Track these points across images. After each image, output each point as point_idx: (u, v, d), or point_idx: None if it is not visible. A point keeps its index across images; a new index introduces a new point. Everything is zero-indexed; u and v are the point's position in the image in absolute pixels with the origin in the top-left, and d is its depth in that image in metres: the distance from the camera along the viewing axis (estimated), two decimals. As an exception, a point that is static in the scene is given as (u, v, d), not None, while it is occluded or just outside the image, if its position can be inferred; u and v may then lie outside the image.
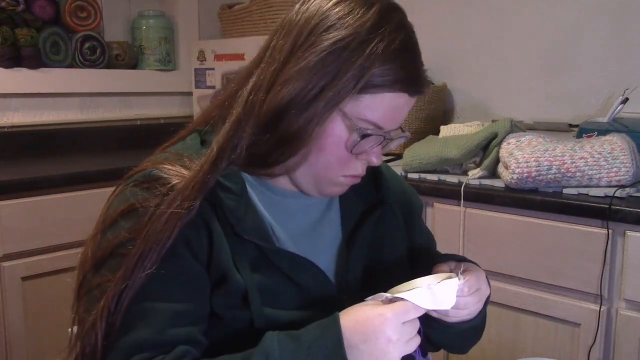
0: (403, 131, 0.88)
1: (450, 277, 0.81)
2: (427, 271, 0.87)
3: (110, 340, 0.76)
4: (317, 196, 0.89)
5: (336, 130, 0.80)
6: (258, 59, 0.85)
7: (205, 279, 0.81)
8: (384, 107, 0.80)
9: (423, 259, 1.02)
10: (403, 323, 0.74)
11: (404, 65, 0.79)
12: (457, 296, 0.80)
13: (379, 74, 0.77)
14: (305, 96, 0.78)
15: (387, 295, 0.78)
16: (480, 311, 0.88)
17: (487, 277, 0.90)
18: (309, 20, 0.80)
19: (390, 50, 0.78)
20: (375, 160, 0.85)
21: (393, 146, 0.89)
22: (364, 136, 0.80)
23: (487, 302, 0.91)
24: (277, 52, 0.81)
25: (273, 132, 0.80)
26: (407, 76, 0.80)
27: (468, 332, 0.91)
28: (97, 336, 0.75)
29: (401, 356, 0.74)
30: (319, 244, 0.91)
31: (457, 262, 0.89)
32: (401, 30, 0.80)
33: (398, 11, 0.83)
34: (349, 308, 0.77)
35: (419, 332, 0.86)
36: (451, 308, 0.79)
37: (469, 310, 0.84)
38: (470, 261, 0.95)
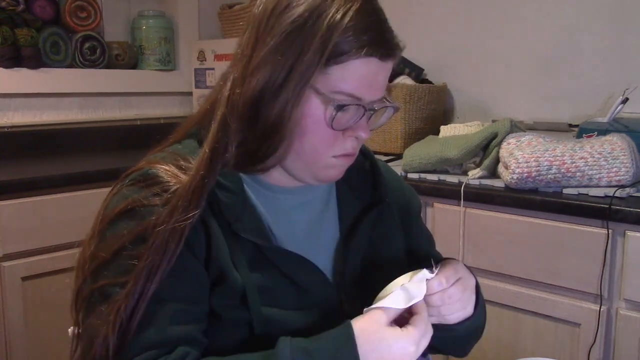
0: (389, 102, 0.86)
1: (418, 272, 0.81)
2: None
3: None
4: (314, 183, 0.88)
5: (312, 108, 0.79)
6: (233, 59, 0.85)
7: (205, 278, 0.81)
8: (355, 75, 0.78)
9: (422, 261, 1.02)
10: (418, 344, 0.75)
11: (365, 29, 0.78)
12: (437, 290, 0.80)
13: (341, 41, 0.77)
14: (275, 81, 0.78)
15: (382, 305, 0.78)
16: (477, 303, 0.87)
17: (468, 268, 0.89)
18: (266, 6, 0.81)
19: (348, 18, 0.77)
20: (363, 135, 0.83)
21: (382, 120, 0.87)
22: (340, 107, 0.79)
23: (480, 292, 0.91)
24: (244, 47, 0.82)
25: (255, 126, 0.80)
26: (371, 39, 0.78)
27: (468, 334, 0.90)
28: (109, 351, 0.74)
29: None
30: (317, 243, 0.91)
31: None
32: None
33: None
34: (362, 323, 0.76)
35: None
36: (441, 305, 0.80)
37: (461, 303, 0.83)
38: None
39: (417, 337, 0.75)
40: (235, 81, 0.81)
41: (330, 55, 0.77)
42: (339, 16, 0.77)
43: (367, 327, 0.75)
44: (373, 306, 0.78)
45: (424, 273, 0.80)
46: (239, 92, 0.80)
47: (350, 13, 0.77)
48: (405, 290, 0.78)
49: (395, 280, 0.81)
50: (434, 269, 0.82)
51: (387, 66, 0.82)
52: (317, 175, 0.86)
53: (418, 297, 0.78)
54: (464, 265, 0.88)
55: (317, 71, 0.77)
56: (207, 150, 0.81)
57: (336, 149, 0.83)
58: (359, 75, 0.79)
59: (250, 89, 0.79)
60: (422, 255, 1.03)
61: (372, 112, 0.83)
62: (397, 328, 0.75)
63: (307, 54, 0.76)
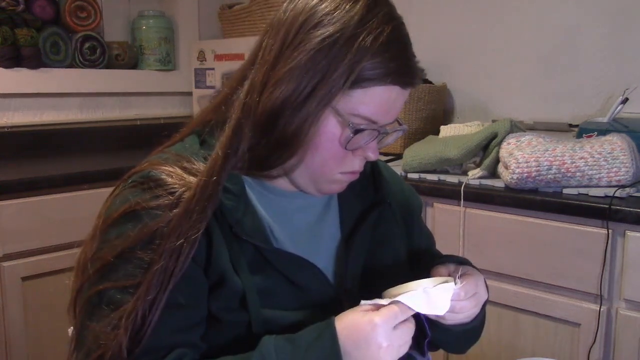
0: (400, 124, 0.87)
1: (447, 282, 0.81)
2: (426, 273, 0.87)
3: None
4: (316, 195, 0.89)
5: (329, 127, 0.80)
6: (250, 60, 0.85)
7: (203, 282, 0.80)
8: (376, 100, 0.79)
9: (423, 260, 1.02)
10: (394, 328, 0.75)
11: (393, 57, 0.78)
12: (452, 300, 0.80)
13: (369, 67, 0.77)
14: (298, 96, 0.78)
15: (382, 301, 0.78)
16: (477, 315, 0.88)
17: (485, 282, 0.90)
18: (296, 18, 0.80)
19: (378, 43, 0.77)
20: (372, 156, 0.85)
21: (390, 140, 0.88)
22: (357, 131, 0.80)
23: (485, 306, 0.91)
24: (267, 53, 0.81)
25: (271, 135, 0.80)
26: (398, 68, 0.79)
27: (465, 334, 0.91)
28: (123, 356, 0.74)
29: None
30: (318, 244, 0.91)
31: (456, 265, 0.89)
32: (389, 23, 0.79)
33: (385, 4, 0.82)
34: (344, 313, 0.78)
35: (423, 331, 0.86)
36: (446, 312, 0.79)
37: (466, 314, 0.84)
38: (470, 263, 0.95)
39: (389, 322, 0.75)
40: (253, 86, 0.81)
41: (355, 78, 0.77)
42: (369, 41, 0.77)
43: (347, 314, 0.77)
44: (390, 299, 0.77)
45: (452, 287, 0.80)
46: (257, 99, 0.80)
47: (381, 39, 0.78)
48: (427, 294, 0.77)
49: (418, 281, 0.80)
50: (456, 280, 0.81)
51: (406, 93, 0.83)
52: (320, 189, 0.87)
53: (439, 311, 0.78)
54: (484, 279, 0.89)
55: (340, 93, 0.78)
56: (220, 154, 0.80)
57: (345, 166, 0.84)
58: (379, 100, 0.80)
59: (270, 100, 0.79)
60: (423, 256, 1.03)
61: (384, 135, 0.84)
62: (373, 316, 0.75)
63: (333, 75, 0.77)
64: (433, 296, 0.78)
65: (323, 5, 0.79)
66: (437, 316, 0.82)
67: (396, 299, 0.77)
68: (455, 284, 0.81)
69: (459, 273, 0.84)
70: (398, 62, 0.79)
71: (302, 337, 0.75)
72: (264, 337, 0.76)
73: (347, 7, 0.78)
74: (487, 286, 0.91)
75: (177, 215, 0.77)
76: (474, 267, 0.93)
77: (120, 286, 0.76)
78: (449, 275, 0.85)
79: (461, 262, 0.94)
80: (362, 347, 0.73)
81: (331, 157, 0.82)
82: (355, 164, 0.85)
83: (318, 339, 0.74)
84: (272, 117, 0.79)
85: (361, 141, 0.82)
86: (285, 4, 0.83)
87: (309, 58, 0.77)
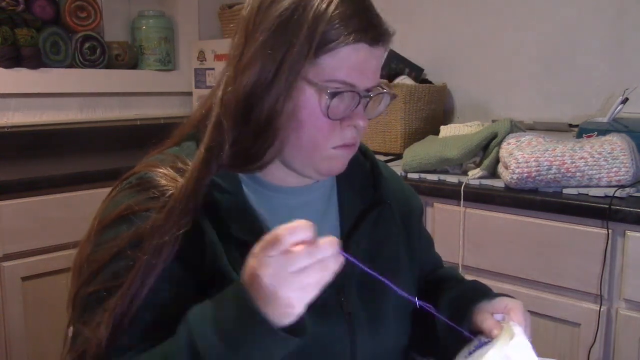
0: (383, 89, 0.86)
1: (511, 332, 0.79)
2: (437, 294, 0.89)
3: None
4: (317, 177, 0.88)
5: (306, 99, 0.79)
6: (227, 61, 0.86)
7: (189, 282, 0.79)
8: (346, 62, 0.78)
9: (423, 268, 1.02)
10: (273, 257, 0.64)
11: (351, 16, 0.78)
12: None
13: (328, 30, 0.77)
14: (266, 76, 0.78)
15: None
16: None
17: (522, 304, 0.90)
18: (253, 5, 0.82)
19: (334, 6, 0.78)
20: (361, 123, 0.83)
21: (381, 107, 0.87)
22: (334, 95, 0.79)
23: None
24: (235, 48, 0.83)
25: (248, 123, 0.80)
26: (358, 25, 0.78)
27: None
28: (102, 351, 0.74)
29: (300, 293, 0.65)
30: None
31: (490, 301, 0.89)
32: None
33: None
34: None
35: (433, 333, 0.86)
36: None
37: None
38: (484, 288, 0.95)
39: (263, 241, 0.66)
40: (227, 81, 0.82)
41: (318, 45, 0.77)
42: (324, 6, 0.77)
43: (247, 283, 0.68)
44: None
45: (526, 341, 0.78)
46: (230, 90, 0.81)
47: (335, 2, 0.78)
48: (508, 357, 0.77)
49: (489, 352, 0.78)
50: (514, 325, 0.81)
51: (378, 52, 0.82)
52: (318, 168, 0.85)
53: None
54: (520, 303, 0.89)
55: (307, 62, 0.77)
56: (202, 151, 0.81)
57: (335, 139, 0.83)
58: (349, 62, 0.79)
59: (241, 86, 0.79)
60: (422, 257, 1.03)
61: (367, 99, 0.83)
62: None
63: (296, 47, 0.77)
64: (514, 357, 0.77)
65: None
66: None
67: None
68: (523, 335, 0.79)
69: (505, 308, 0.84)
70: (357, 21, 0.78)
71: (217, 299, 0.70)
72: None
73: None
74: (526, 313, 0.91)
75: (160, 214, 0.77)
76: (489, 289, 0.94)
77: (108, 287, 0.76)
78: (493, 313, 0.86)
79: (474, 287, 0.95)
80: (254, 287, 0.65)
81: (318, 130, 0.81)
82: (347, 135, 0.83)
83: (227, 292, 0.69)
84: (246, 103, 0.79)
85: (345, 108, 0.81)
86: (246, 1, 0.84)
87: (270, 35, 0.78)
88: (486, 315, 0.87)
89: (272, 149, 0.82)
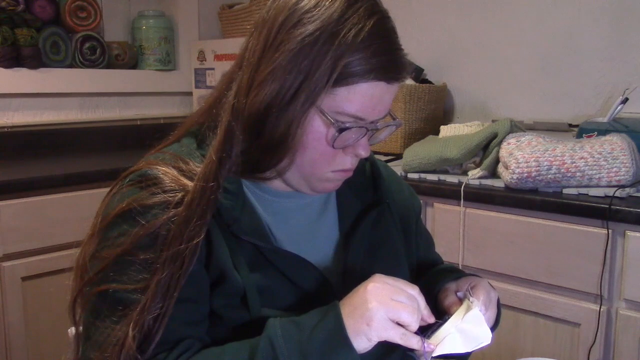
0: (393, 118, 0.86)
1: (468, 308, 0.80)
2: (426, 286, 0.88)
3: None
4: (310, 194, 0.89)
5: (315, 127, 0.79)
6: (238, 62, 0.84)
7: (205, 279, 0.81)
8: (361, 97, 0.78)
9: (422, 266, 1.03)
10: (385, 282, 0.76)
11: (376, 52, 0.77)
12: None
13: (351, 64, 0.75)
14: (282, 98, 0.77)
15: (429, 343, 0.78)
16: (498, 315, 0.90)
17: (489, 282, 0.91)
18: (277, 17, 0.79)
19: (360, 39, 0.76)
20: (363, 153, 0.83)
21: (383, 136, 0.87)
22: (342, 130, 0.79)
23: (499, 303, 0.92)
24: (251, 55, 0.81)
25: (261, 138, 0.80)
26: (381, 63, 0.77)
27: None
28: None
29: (388, 315, 0.74)
30: (317, 244, 0.91)
31: (455, 281, 0.89)
32: (371, 17, 0.77)
33: None
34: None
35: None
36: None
37: (491, 322, 0.86)
38: (463, 272, 0.95)
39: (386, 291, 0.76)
40: (240, 89, 0.81)
41: (338, 76, 0.76)
42: (350, 37, 0.75)
43: (351, 295, 0.78)
44: (432, 345, 0.78)
45: (479, 314, 0.80)
46: (244, 101, 0.80)
47: (363, 34, 0.76)
48: (463, 332, 0.78)
49: (445, 325, 0.79)
50: (472, 300, 0.82)
51: (394, 88, 0.81)
52: (314, 187, 0.86)
53: (484, 341, 0.78)
54: (488, 281, 0.90)
55: (323, 92, 0.77)
56: (214, 159, 0.80)
57: (335, 165, 0.83)
58: (363, 97, 0.78)
59: (256, 102, 0.78)
60: (421, 257, 1.03)
61: (374, 131, 0.83)
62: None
63: (316, 75, 0.76)
64: (469, 331, 0.78)
65: (303, 3, 0.78)
66: (484, 347, 0.81)
67: (436, 353, 0.77)
68: (475, 304, 0.80)
69: (467, 288, 0.84)
70: (381, 57, 0.77)
71: (307, 319, 0.76)
72: (269, 319, 0.76)
73: (327, 3, 0.77)
74: (492, 286, 0.91)
75: (177, 221, 0.77)
76: (471, 274, 0.93)
77: (125, 289, 0.76)
78: (457, 292, 0.87)
79: (451, 270, 0.95)
80: (359, 305, 0.75)
81: (320, 156, 0.81)
82: (347, 162, 0.84)
83: (323, 320, 0.75)
84: (259, 119, 0.79)
85: (349, 139, 0.81)
86: (269, 3, 0.82)
87: (291, 59, 0.76)
88: (449, 293, 0.88)
89: (277, 167, 0.82)
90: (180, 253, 0.75)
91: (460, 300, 0.86)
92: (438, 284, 0.94)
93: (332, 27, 0.76)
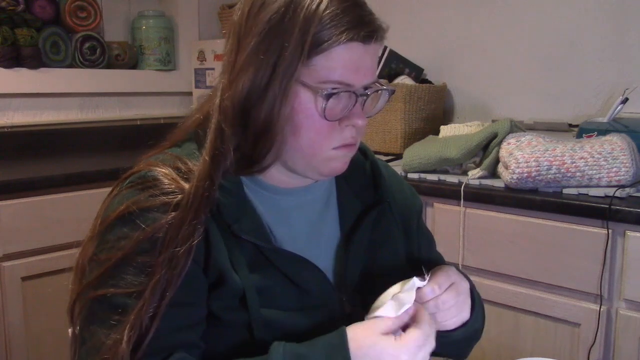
0: (381, 85, 0.85)
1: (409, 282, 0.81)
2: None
3: None
4: (319, 178, 0.88)
5: (302, 102, 0.79)
6: (222, 67, 0.85)
7: (203, 281, 0.80)
8: (339, 62, 0.77)
9: (420, 266, 1.02)
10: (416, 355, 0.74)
11: (342, 15, 0.77)
12: (432, 297, 0.80)
13: (320, 31, 0.76)
14: (260, 82, 0.78)
15: (381, 311, 0.78)
16: (474, 306, 0.88)
17: (461, 271, 0.89)
18: (243, 11, 0.81)
19: (324, 6, 0.77)
20: (360, 122, 0.82)
21: (379, 104, 0.86)
22: (329, 96, 0.78)
23: (476, 295, 0.91)
24: (229, 54, 0.82)
25: (247, 128, 0.80)
26: (350, 24, 0.77)
27: (468, 337, 0.90)
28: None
29: None
30: (317, 243, 0.91)
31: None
32: None
33: None
34: (356, 329, 0.76)
35: None
36: (436, 312, 0.80)
37: (455, 307, 0.83)
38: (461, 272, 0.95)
39: (411, 347, 0.74)
40: (224, 87, 0.82)
41: (311, 46, 0.76)
42: (313, 6, 0.77)
43: (361, 334, 0.75)
44: (367, 318, 0.79)
45: (414, 281, 0.80)
46: (227, 97, 0.80)
47: (325, 1, 0.77)
48: (397, 299, 0.78)
49: (387, 291, 0.81)
50: (425, 276, 0.81)
51: (372, 49, 0.81)
52: (320, 170, 0.85)
53: (408, 304, 0.78)
54: (457, 269, 0.88)
55: (300, 65, 0.77)
56: (207, 159, 0.80)
57: (334, 140, 0.82)
58: (343, 61, 0.78)
59: (237, 92, 0.79)
60: (422, 257, 1.03)
61: (364, 97, 0.82)
62: (392, 337, 0.75)
63: (288, 49, 0.76)
64: (402, 298, 0.78)
65: None
66: (435, 322, 0.81)
67: (371, 316, 0.78)
68: (420, 280, 0.80)
69: (423, 269, 0.83)
70: (349, 19, 0.77)
71: (312, 355, 0.74)
72: (273, 343, 0.75)
73: None
74: (466, 276, 0.90)
75: (173, 224, 0.77)
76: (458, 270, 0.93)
77: (122, 293, 0.76)
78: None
79: (428, 261, 0.94)
80: None
81: (316, 133, 0.81)
82: (346, 135, 0.83)
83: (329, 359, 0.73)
84: (242, 109, 0.79)
85: (342, 108, 0.80)
86: (236, 6, 0.84)
87: (261, 40, 0.77)
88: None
89: (271, 152, 0.82)
90: (175, 254, 0.75)
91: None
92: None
93: (295, 2, 0.77)
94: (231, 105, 0.80)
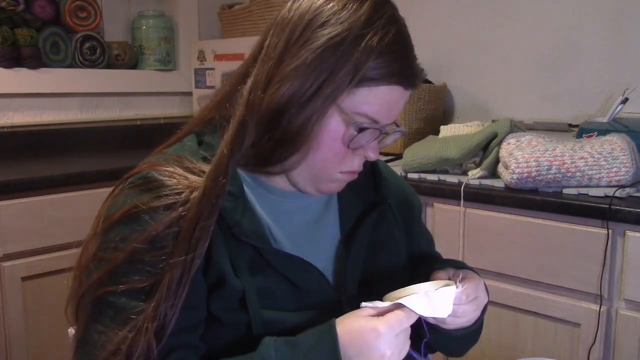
0: (398, 126, 0.88)
1: (448, 285, 0.81)
2: (425, 277, 0.87)
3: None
4: (314, 194, 0.89)
5: (333, 125, 0.81)
6: (253, 58, 0.85)
7: (202, 283, 0.80)
8: (380, 100, 0.80)
9: (424, 263, 1.02)
10: (396, 335, 0.75)
11: (397, 58, 0.80)
12: (454, 304, 0.80)
13: (374, 67, 0.78)
14: (303, 94, 0.78)
15: (384, 303, 0.78)
16: (478, 318, 0.88)
17: (485, 286, 0.90)
18: (302, 17, 0.81)
19: (384, 44, 0.79)
20: (372, 155, 0.85)
21: (389, 141, 0.89)
22: (361, 130, 0.81)
23: (485, 310, 0.92)
24: (271, 50, 0.82)
25: (275, 131, 0.80)
26: (401, 69, 0.80)
27: (464, 338, 0.91)
28: None
29: None
30: (317, 245, 0.91)
31: (455, 269, 0.89)
32: (394, 24, 0.81)
33: (390, 5, 0.84)
34: (345, 316, 0.78)
35: (420, 332, 0.86)
36: (448, 316, 0.80)
37: (467, 318, 0.85)
38: (469, 267, 0.95)
39: (391, 321, 0.76)
40: (257, 83, 0.81)
41: (361, 78, 0.78)
42: (375, 41, 0.78)
43: (348, 319, 0.77)
44: (392, 302, 0.78)
45: (453, 290, 0.80)
46: (261, 95, 0.80)
47: (387, 39, 0.79)
48: (429, 298, 0.78)
49: (419, 284, 0.80)
50: (458, 284, 0.82)
51: (408, 94, 0.84)
52: (319, 188, 0.87)
53: (441, 314, 0.78)
54: (484, 283, 0.90)
55: (345, 91, 0.79)
56: (225, 152, 0.80)
57: (345, 165, 0.85)
58: (382, 100, 0.81)
59: (276, 96, 0.79)
60: (424, 259, 1.03)
61: (384, 135, 0.85)
62: (375, 317, 0.76)
63: (340, 74, 0.78)
64: (435, 299, 0.78)
65: (330, 5, 0.80)
66: (438, 319, 0.82)
67: (398, 301, 0.77)
68: (457, 287, 0.81)
69: (460, 277, 0.84)
70: (402, 63, 0.80)
71: (302, 341, 0.76)
72: (264, 338, 0.76)
73: (354, 7, 0.79)
74: (487, 290, 0.91)
75: (187, 218, 0.77)
76: (473, 270, 0.93)
77: (130, 289, 0.76)
78: (449, 279, 0.86)
79: (460, 266, 0.94)
80: (365, 354, 0.74)
81: (333, 155, 0.83)
82: (355, 163, 0.86)
83: (318, 343, 0.75)
84: (277, 113, 0.80)
85: (363, 140, 0.83)
86: (289, 3, 0.84)
87: (316, 56, 0.78)
88: (440, 274, 0.88)
89: (286, 162, 0.83)
90: (191, 251, 0.76)
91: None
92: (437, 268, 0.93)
93: (359, 30, 0.78)
94: (265, 105, 0.80)
